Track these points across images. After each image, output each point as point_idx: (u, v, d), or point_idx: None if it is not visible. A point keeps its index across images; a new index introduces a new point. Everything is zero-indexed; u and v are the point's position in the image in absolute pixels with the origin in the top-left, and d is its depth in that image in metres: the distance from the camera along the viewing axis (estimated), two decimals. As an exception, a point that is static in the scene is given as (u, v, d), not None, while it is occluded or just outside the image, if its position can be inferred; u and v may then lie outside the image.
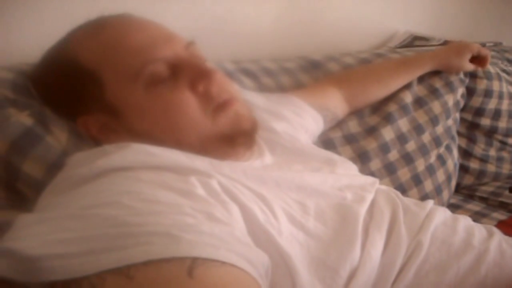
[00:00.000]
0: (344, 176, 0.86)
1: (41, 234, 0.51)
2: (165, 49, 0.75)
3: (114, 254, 0.47)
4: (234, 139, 0.76)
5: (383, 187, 0.89)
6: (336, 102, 1.20)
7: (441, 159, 1.35)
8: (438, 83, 1.41)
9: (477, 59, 1.42)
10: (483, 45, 1.66)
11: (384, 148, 1.24)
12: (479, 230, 0.81)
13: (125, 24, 0.77)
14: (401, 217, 0.78)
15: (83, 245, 0.49)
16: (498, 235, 0.81)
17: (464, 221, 0.83)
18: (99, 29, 0.76)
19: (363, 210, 0.77)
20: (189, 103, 0.73)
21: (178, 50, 0.76)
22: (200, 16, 1.30)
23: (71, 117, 0.78)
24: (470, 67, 1.43)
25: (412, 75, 1.37)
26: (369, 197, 0.81)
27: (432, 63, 1.38)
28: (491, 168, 1.56)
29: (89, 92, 0.74)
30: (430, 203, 0.86)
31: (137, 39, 0.74)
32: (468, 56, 1.40)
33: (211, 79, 0.75)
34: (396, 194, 0.87)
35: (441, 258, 0.74)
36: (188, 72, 0.74)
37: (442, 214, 0.82)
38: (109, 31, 0.76)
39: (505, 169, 1.58)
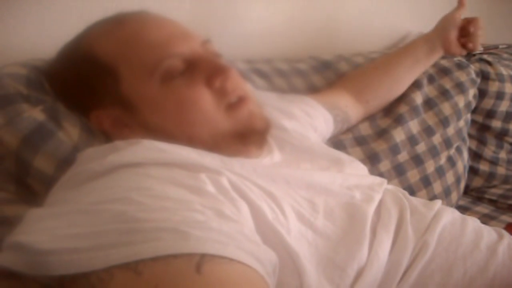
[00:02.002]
0: (352, 175, 0.86)
1: (50, 228, 0.52)
2: (182, 45, 0.76)
3: (122, 249, 0.48)
4: (247, 137, 0.77)
5: (391, 187, 0.89)
6: (347, 101, 1.19)
7: (451, 161, 1.34)
8: (448, 84, 1.40)
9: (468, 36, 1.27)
10: (496, 47, 1.65)
11: (394, 150, 1.23)
12: (488, 232, 0.80)
13: (143, 20, 0.78)
14: (408, 217, 0.78)
15: (92, 240, 0.49)
16: (507, 237, 0.80)
17: (473, 223, 0.82)
18: (117, 25, 0.77)
19: (371, 210, 0.77)
20: (204, 98, 0.74)
21: (195, 47, 0.77)
22: (212, 15, 1.31)
23: (84, 111, 0.79)
24: (456, 48, 1.28)
25: (412, 59, 1.30)
26: (377, 197, 0.81)
27: (427, 44, 1.30)
28: (501, 170, 1.56)
29: (104, 85, 0.75)
30: (438, 203, 0.85)
31: (155, 35, 0.75)
32: (451, 28, 1.27)
33: (227, 75, 0.75)
34: (403, 194, 0.87)
35: (447, 259, 0.74)
36: (204, 68, 0.75)
37: (450, 214, 0.82)
38: (128, 26, 0.77)
39: (515, 171, 1.57)
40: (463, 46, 1.28)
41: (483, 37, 1.27)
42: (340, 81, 1.28)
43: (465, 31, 1.26)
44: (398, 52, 1.33)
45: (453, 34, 1.27)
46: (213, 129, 0.75)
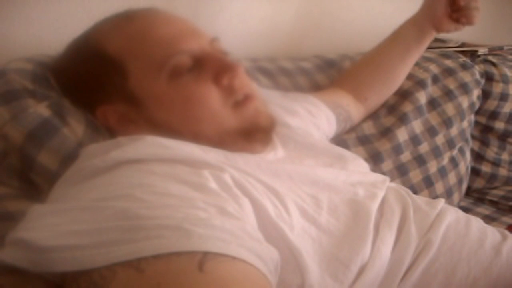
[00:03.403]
0: (355, 172, 0.86)
1: (53, 225, 0.52)
2: (191, 42, 0.76)
3: (125, 247, 0.48)
4: (252, 134, 0.78)
5: (393, 185, 0.89)
6: (348, 100, 1.19)
7: (453, 162, 1.34)
8: (452, 85, 1.39)
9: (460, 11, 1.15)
10: (501, 48, 1.65)
11: (397, 149, 1.23)
12: (492, 232, 0.80)
13: (152, 17, 0.79)
14: (411, 215, 0.78)
15: (95, 237, 0.49)
16: (511, 238, 0.80)
17: (477, 223, 0.82)
18: (127, 21, 0.78)
19: (374, 206, 0.77)
20: (211, 95, 0.75)
21: (203, 44, 0.78)
22: (218, 13, 1.31)
23: (90, 107, 0.79)
24: (449, 25, 1.17)
25: (403, 46, 1.22)
26: (380, 194, 0.81)
27: (415, 27, 1.20)
28: (503, 172, 1.55)
29: (112, 81, 0.75)
30: (441, 202, 0.86)
31: (164, 31, 0.76)
32: (438, 4, 1.15)
33: (234, 73, 0.76)
34: (406, 192, 0.87)
35: (452, 258, 0.74)
36: (212, 65, 0.75)
37: (454, 213, 0.82)
38: (137, 23, 0.77)
39: (517, 173, 1.57)
40: (457, 21, 1.16)
41: (478, 10, 1.13)
42: (337, 81, 1.26)
43: (456, 5, 1.15)
44: (386, 42, 1.25)
45: (441, 11, 1.15)
46: (219, 126, 0.75)
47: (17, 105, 0.77)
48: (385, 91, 1.27)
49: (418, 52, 1.24)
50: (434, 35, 1.20)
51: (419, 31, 1.19)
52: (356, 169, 0.88)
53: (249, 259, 0.50)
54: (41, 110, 0.78)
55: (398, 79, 1.27)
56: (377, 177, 0.88)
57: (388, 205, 0.79)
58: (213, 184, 0.59)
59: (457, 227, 0.79)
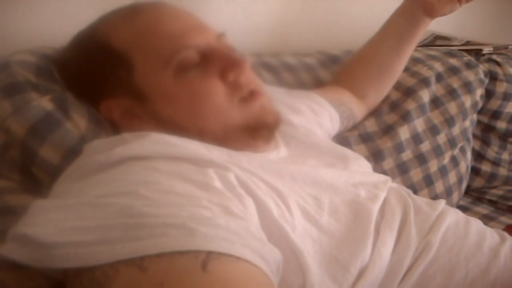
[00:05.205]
0: (357, 173, 0.86)
1: (56, 221, 0.51)
2: (198, 38, 0.76)
3: (128, 244, 0.48)
4: (257, 131, 0.77)
5: (395, 185, 0.89)
6: (349, 98, 1.18)
7: (454, 161, 1.34)
8: (456, 83, 1.39)
9: None
10: (505, 47, 1.64)
11: (399, 148, 1.23)
12: (491, 234, 0.80)
13: (160, 11, 0.78)
14: (411, 217, 0.78)
15: (98, 234, 0.49)
16: (510, 240, 0.80)
17: (476, 224, 0.82)
18: (133, 14, 0.77)
19: (376, 208, 0.77)
20: (217, 91, 0.74)
21: (210, 39, 0.77)
22: (222, 7, 1.31)
23: (94, 101, 0.79)
24: (445, 7, 1.09)
25: (394, 39, 1.16)
26: (382, 195, 0.80)
27: (404, 18, 1.14)
28: (502, 171, 1.55)
29: (117, 75, 0.75)
30: (442, 203, 0.85)
31: (171, 26, 0.75)
32: None
33: (241, 69, 0.76)
34: (407, 193, 0.87)
35: (450, 260, 0.74)
36: (219, 61, 0.75)
37: (454, 215, 0.82)
38: (144, 16, 0.77)
39: (517, 173, 1.57)
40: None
41: None
42: (334, 79, 1.25)
43: None
44: (377, 36, 1.19)
45: None
46: (225, 122, 0.75)
47: (20, 98, 0.76)
48: (382, 86, 1.25)
49: (412, 42, 1.17)
50: (428, 22, 1.13)
51: (409, 21, 1.13)
52: (358, 169, 0.88)
53: (253, 259, 0.50)
54: (44, 103, 0.77)
55: (395, 72, 1.22)
56: (379, 177, 0.88)
57: (389, 207, 0.79)
58: (217, 183, 0.59)
59: (456, 229, 0.79)
